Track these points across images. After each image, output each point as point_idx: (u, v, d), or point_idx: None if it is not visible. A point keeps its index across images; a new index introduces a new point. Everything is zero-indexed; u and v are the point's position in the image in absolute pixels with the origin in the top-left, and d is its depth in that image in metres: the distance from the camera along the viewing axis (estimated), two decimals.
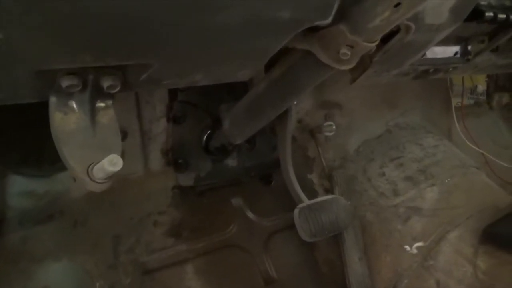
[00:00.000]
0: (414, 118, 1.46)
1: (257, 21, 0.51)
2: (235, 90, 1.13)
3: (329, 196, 0.87)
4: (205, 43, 0.52)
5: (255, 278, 1.06)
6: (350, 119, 1.34)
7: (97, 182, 0.51)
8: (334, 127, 1.29)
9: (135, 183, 1.04)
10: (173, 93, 1.08)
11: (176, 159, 1.10)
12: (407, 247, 1.06)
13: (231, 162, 1.14)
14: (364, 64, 0.77)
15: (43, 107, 0.62)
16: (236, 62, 0.61)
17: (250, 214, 1.14)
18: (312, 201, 0.85)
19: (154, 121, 1.08)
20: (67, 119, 0.52)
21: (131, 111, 1.02)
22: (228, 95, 1.14)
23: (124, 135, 1.02)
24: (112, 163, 0.48)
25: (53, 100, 0.52)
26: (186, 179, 1.10)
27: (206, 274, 1.00)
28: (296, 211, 0.82)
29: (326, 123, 1.28)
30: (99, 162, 0.51)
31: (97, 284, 0.89)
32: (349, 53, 0.59)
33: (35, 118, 0.86)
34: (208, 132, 1.11)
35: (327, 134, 1.27)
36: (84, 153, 0.53)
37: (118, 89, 0.53)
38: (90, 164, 0.52)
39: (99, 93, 0.54)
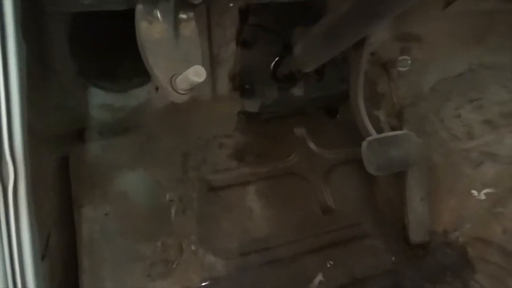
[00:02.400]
0: (503, 57, 1.31)
1: None
2: (307, 15, 1.07)
3: (401, 132, 0.84)
4: None
5: (313, 206, 1.09)
6: (428, 54, 1.24)
7: (179, 93, 0.53)
8: (409, 62, 1.20)
9: (203, 106, 1.06)
10: (244, 16, 1.05)
11: (243, 84, 1.09)
12: (475, 192, 1.02)
13: (298, 91, 1.12)
14: None
15: (124, 21, 0.63)
16: None
17: (312, 145, 1.14)
18: (382, 135, 0.83)
19: (223, 45, 1.07)
20: (152, 28, 0.53)
21: (201, 33, 1.01)
22: (300, 20, 1.08)
23: None
24: (196, 74, 0.49)
25: (139, 7, 0.52)
26: (252, 105, 1.10)
27: (266, 197, 1.04)
28: (364, 143, 0.80)
29: (401, 57, 1.19)
30: (182, 73, 0.52)
31: (167, 195, 0.96)
32: None
33: (115, 33, 0.88)
34: (277, 58, 1.08)
35: (401, 69, 1.20)
36: (167, 63, 0.54)
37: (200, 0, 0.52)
38: (174, 75, 0.53)
39: (182, 3, 0.53)
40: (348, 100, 1.12)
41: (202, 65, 0.54)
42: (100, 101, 0.95)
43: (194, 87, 0.52)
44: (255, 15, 1.03)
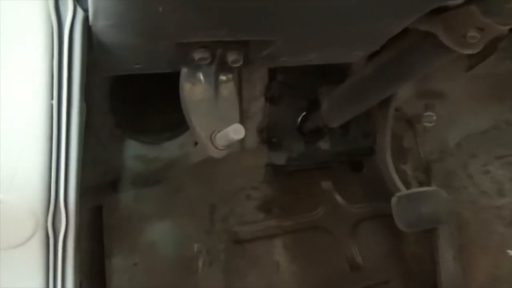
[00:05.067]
0: None
1: (384, 0, 0.50)
2: (332, 74, 1.12)
3: (430, 188, 0.84)
4: (327, 22, 0.53)
5: (340, 262, 1.07)
6: (453, 111, 1.25)
7: (218, 149, 0.56)
8: (434, 117, 1.22)
9: (231, 158, 1.08)
10: (272, 74, 1.11)
11: (270, 138, 1.13)
12: (510, 252, 0.98)
13: (324, 145, 1.14)
14: (487, 49, 0.71)
15: (160, 80, 0.68)
16: (354, 43, 0.61)
17: (339, 199, 1.14)
18: (411, 190, 0.83)
19: (252, 100, 1.11)
20: (194, 89, 0.57)
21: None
22: (325, 78, 1.13)
23: None
24: (236, 132, 0.52)
25: (184, 71, 0.57)
26: (279, 158, 1.12)
27: (293, 251, 1.03)
28: (394, 199, 0.80)
29: (426, 113, 1.21)
30: (221, 130, 0.55)
31: (195, 246, 0.97)
32: (478, 36, 0.55)
33: (150, 89, 0.94)
34: (304, 113, 1.12)
35: (427, 124, 1.21)
36: (208, 121, 0.57)
37: (240, 63, 0.57)
38: (213, 132, 0.56)
39: (223, 66, 0.57)
40: (373, 155, 1.14)
41: (239, 123, 0.57)
42: (135, 152, 0.99)
43: (232, 143, 0.55)
44: (283, 73, 1.09)
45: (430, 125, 1.20)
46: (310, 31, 0.54)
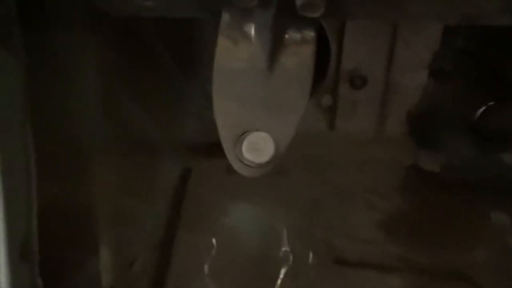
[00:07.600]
0: None
1: None
2: None
3: None
4: None
5: None
6: None
7: (242, 162, 0.32)
8: None
9: (359, 145, 0.81)
10: (449, 37, 0.74)
11: (424, 129, 0.79)
12: None
13: (510, 159, 0.73)
14: None
15: None
16: None
17: None
18: None
19: (409, 71, 0.78)
20: (235, 52, 0.33)
21: (380, 50, 0.75)
22: None
23: (363, 81, 0.78)
24: (253, 148, 0.27)
25: (225, 18, 0.33)
26: (431, 161, 0.79)
27: None
28: None
29: None
30: (257, 132, 0.30)
31: (282, 249, 0.77)
32: None
33: None
34: (488, 105, 0.73)
35: None
36: (241, 110, 0.33)
37: (321, 12, 0.29)
38: (245, 132, 0.32)
39: (290, 15, 0.31)
40: None
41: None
42: None
43: (267, 164, 0.30)
44: (465, 37, 0.70)
45: None
46: None
